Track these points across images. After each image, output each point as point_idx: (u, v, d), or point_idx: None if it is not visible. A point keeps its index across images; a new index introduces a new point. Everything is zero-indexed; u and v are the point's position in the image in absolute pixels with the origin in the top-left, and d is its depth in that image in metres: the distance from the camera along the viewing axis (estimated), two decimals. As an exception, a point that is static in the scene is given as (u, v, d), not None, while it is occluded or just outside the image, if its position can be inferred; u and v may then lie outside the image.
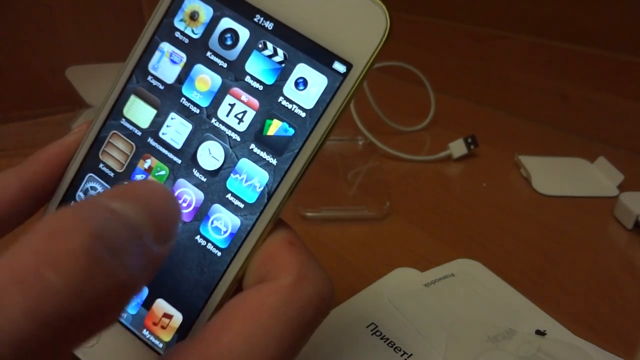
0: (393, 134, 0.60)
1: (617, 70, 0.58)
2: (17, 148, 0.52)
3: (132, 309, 0.20)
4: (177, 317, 0.19)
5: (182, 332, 0.19)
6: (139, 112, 0.21)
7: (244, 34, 0.20)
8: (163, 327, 0.19)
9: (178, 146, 0.20)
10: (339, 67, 0.18)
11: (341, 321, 0.31)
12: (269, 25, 0.19)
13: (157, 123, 0.21)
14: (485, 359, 0.28)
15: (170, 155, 0.20)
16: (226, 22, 0.20)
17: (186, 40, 0.20)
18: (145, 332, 0.20)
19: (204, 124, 0.20)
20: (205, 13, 0.20)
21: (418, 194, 0.48)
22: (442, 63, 0.76)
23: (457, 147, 0.54)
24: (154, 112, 0.21)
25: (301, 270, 0.17)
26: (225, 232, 0.19)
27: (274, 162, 0.19)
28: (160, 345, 0.19)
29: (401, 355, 0.28)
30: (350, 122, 0.54)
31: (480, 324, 0.30)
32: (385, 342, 0.29)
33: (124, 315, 0.20)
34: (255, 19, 0.20)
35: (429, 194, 0.48)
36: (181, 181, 0.20)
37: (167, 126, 0.20)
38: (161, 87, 0.21)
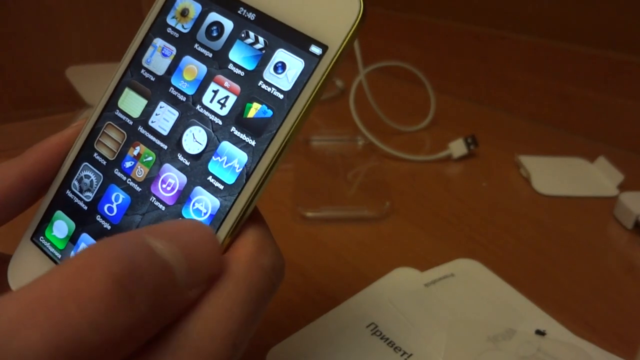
0: (393, 134, 0.60)
1: (617, 70, 0.58)
2: (17, 148, 0.52)
3: None
4: None
5: None
6: (132, 103, 0.22)
7: (228, 25, 0.21)
8: None
9: (165, 133, 0.21)
10: (315, 49, 0.19)
11: (341, 321, 0.31)
12: (251, 16, 0.21)
13: (147, 112, 0.22)
14: (485, 359, 0.28)
15: (158, 142, 0.21)
16: (212, 16, 0.21)
17: (176, 35, 0.22)
18: None
19: (189, 110, 0.21)
20: (195, 9, 0.22)
21: (418, 194, 0.48)
22: (442, 63, 0.76)
23: (457, 147, 0.54)
24: (145, 102, 0.22)
25: (258, 242, 0.19)
26: (205, 213, 0.20)
27: (253, 143, 0.20)
28: None
29: (401, 355, 0.28)
30: (350, 122, 0.54)
31: (480, 324, 0.30)
32: (385, 342, 0.29)
33: None
34: (239, 11, 0.21)
35: (429, 194, 0.48)
36: (167, 166, 0.21)
37: (156, 114, 0.21)
38: (152, 79, 0.22)
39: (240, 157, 0.20)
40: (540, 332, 0.30)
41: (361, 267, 0.37)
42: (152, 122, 0.21)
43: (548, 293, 0.35)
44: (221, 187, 0.20)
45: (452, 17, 0.75)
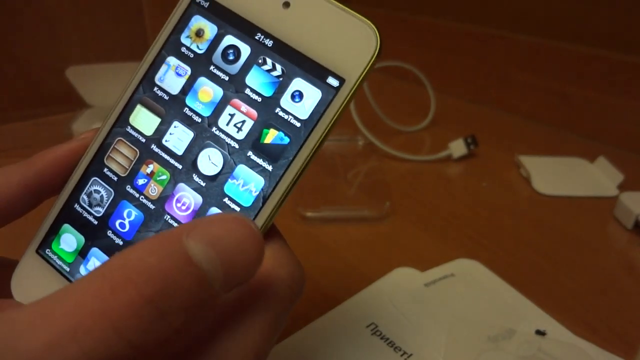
0: (393, 134, 0.60)
1: (617, 70, 0.58)
2: (17, 148, 0.52)
3: None
4: None
5: None
6: (144, 121, 0.22)
7: (245, 50, 0.21)
8: None
9: (179, 152, 0.21)
10: (333, 81, 0.20)
11: (341, 321, 0.31)
12: (269, 42, 0.21)
13: (161, 131, 0.22)
14: (485, 359, 0.28)
15: (172, 161, 0.21)
16: (229, 39, 0.21)
17: (191, 55, 0.22)
18: None
19: (205, 132, 0.21)
20: (210, 30, 0.22)
21: (418, 194, 0.48)
22: (442, 63, 0.76)
23: (457, 147, 0.54)
24: (158, 120, 0.22)
25: (275, 256, 0.19)
26: None
27: (270, 168, 0.20)
28: None
29: (401, 355, 0.28)
30: (350, 122, 0.54)
31: (480, 324, 0.30)
32: (385, 342, 0.29)
33: None
34: (256, 37, 0.21)
35: (429, 194, 0.48)
36: (181, 185, 0.21)
37: (170, 134, 0.21)
38: (166, 97, 0.22)
39: (257, 181, 0.20)
40: (540, 332, 0.30)
41: (361, 267, 0.37)
42: (166, 141, 0.21)
43: (548, 293, 0.35)
44: (237, 209, 0.20)
45: (452, 17, 0.75)
